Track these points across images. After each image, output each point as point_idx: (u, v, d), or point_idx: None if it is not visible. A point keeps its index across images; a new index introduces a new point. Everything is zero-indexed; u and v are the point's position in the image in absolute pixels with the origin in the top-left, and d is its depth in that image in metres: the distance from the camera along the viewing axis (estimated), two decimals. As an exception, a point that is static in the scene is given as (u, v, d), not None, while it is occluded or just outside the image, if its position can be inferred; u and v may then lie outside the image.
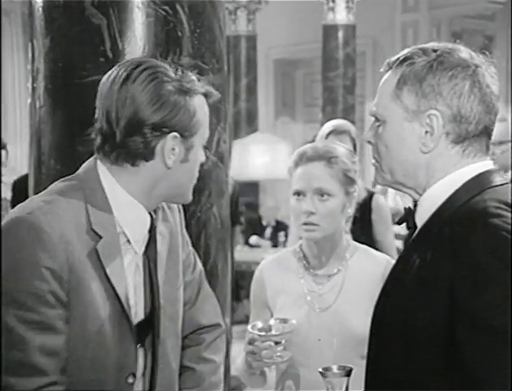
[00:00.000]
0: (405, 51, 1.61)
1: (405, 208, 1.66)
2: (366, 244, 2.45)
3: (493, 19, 10.53)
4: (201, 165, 1.81)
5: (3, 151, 4.69)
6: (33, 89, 2.51)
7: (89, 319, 1.65)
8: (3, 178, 4.80)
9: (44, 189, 1.78)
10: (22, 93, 10.02)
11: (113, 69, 1.72)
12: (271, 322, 2.17)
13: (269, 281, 2.37)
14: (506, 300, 1.39)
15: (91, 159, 1.76)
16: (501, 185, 1.55)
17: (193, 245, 2.02)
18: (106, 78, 1.72)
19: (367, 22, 9.73)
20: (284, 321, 2.15)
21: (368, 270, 2.31)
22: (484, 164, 1.59)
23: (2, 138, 4.93)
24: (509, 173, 4.09)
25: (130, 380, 1.73)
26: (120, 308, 1.70)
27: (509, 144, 4.01)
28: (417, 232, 1.61)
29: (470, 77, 1.55)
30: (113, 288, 1.68)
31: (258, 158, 8.78)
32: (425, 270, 1.50)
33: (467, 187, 1.55)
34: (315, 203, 2.25)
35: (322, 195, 2.26)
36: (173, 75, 1.70)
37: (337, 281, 2.31)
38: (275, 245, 8.58)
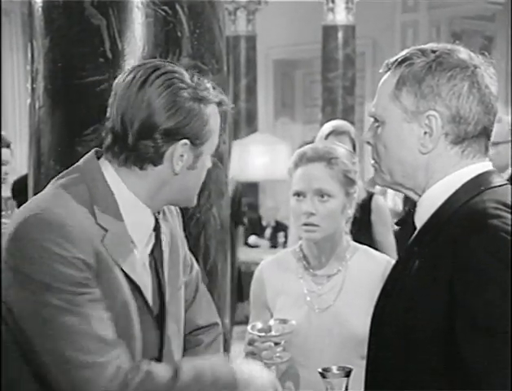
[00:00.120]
0: (404, 52, 1.61)
1: (404, 209, 1.66)
2: (366, 245, 2.45)
3: (493, 19, 10.53)
4: None
5: (8, 150, 4.65)
6: (33, 89, 2.51)
7: (117, 303, 1.66)
8: (9, 177, 4.76)
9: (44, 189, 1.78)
10: (21, 93, 10.01)
11: (130, 70, 1.72)
12: (271, 322, 2.17)
13: (269, 281, 2.37)
14: (506, 301, 1.39)
15: (90, 154, 1.75)
16: (501, 186, 1.55)
17: (193, 246, 2.02)
18: (122, 79, 1.71)
19: (366, 22, 9.71)
20: (284, 321, 2.15)
21: (368, 270, 2.31)
22: (483, 165, 1.59)
23: (6, 137, 4.90)
24: (506, 173, 4.10)
25: None
26: (140, 296, 1.71)
27: (504, 145, 4.04)
28: (416, 233, 1.61)
29: (468, 78, 1.55)
30: (127, 276, 1.68)
31: (258, 158, 8.76)
32: (425, 271, 1.50)
33: (466, 188, 1.55)
34: (315, 204, 2.25)
35: (322, 196, 2.26)
36: (189, 81, 1.70)
37: (337, 281, 2.31)
38: (274, 246, 8.58)
